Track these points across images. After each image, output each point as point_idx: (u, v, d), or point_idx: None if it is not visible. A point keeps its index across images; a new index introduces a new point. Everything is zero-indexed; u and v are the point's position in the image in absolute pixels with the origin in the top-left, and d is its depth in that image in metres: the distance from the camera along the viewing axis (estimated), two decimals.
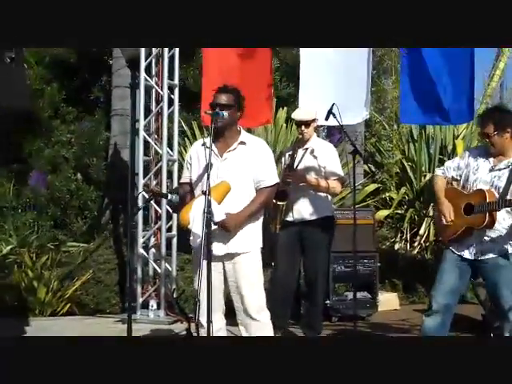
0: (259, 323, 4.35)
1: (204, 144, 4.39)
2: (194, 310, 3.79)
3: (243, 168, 4.31)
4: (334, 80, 6.71)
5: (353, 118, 6.80)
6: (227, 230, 4.20)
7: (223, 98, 4.29)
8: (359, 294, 7.06)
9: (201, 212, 3.88)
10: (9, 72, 4.45)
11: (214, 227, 4.05)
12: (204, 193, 3.89)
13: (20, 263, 7.67)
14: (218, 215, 4.04)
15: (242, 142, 4.35)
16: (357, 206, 7.93)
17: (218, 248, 4.25)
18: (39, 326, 6.83)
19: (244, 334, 4.39)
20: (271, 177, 4.39)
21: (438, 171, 4.88)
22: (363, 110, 6.75)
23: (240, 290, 4.32)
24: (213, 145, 4.26)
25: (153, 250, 7.51)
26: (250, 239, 4.36)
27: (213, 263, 4.17)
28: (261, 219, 4.46)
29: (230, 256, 4.32)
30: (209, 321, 3.82)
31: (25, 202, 9.37)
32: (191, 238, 4.15)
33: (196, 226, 4.03)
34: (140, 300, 7.33)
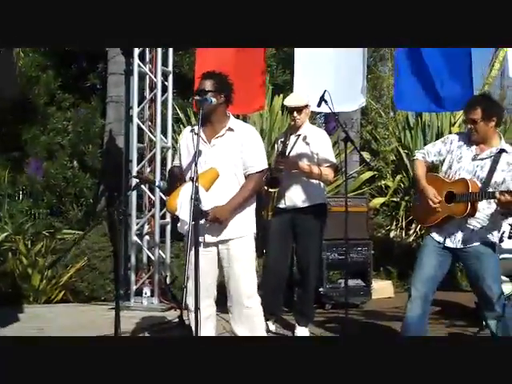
0: (249, 310, 4.36)
1: (192, 130, 4.38)
2: (181, 296, 3.79)
3: (231, 154, 4.30)
4: (329, 67, 6.65)
5: (349, 105, 6.77)
6: (219, 222, 4.21)
7: (207, 84, 4.28)
8: (353, 282, 7.06)
9: (188, 199, 3.88)
10: None
11: (203, 221, 4.07)
12: (191, 179, 3.88)
13: (15, 251, 7.66)
14: (206, 202, 4.03)
15: (230, 129, 4.35)
16: (352, 194, 7.96)
17: (210, 235, 4.26)
18: (33, 313, 6.85)
19: (233, 320, 4.39)
20: (260, 162, 4.38)
21: (419, 155, 4.79)
22: (360, 97, 6.70)
23: (233, 275, 4.33)
24: (201, 131, 4.26)
25: (147, 237, 7.51)
26: (242, 225, 4.37)
27: (206, 249, 4.23)
28: (253, 205, 4.46)
29: (223, 242, 4.33)
30: (196, 308, 3.82)
31: (20, 190, 9.38)
32: (179, 224, 4.15)
33: (183, 213, 4.02)
34: (134, 287, 7.33)
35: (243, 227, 4.38)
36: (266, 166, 4.48)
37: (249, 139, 4.37)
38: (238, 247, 4.34)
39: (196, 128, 4.26)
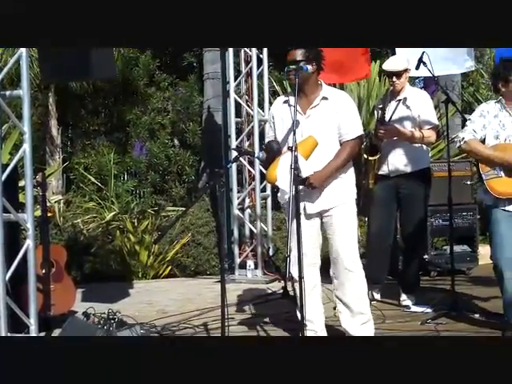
0: (353, 274, 4.32)
1: (286, 101, 4.35)
2: (285, 266, 3.80)
3: (328, 123, 4.26)
4: None
5: (455, 68, 6.58)
6: (313, 187, 4.18)
7: (297, 54, 4.21)
8: (459, 248, 6.89)
9: (287, 168, 3.86)
10: None
11: (300, 187, 4.05)
12: (290, 149, 3.87)
13: (122, 229, 7.93)
14: (306, 171, 4.01)
15: (325, 98, 4.29)
16: (456, 158, 7.72)
17: (311, 206, 4.26)
18: (143, 288, 7.08)
19: (336, 286, 4.38)
20: (354, 129, 4.32)
21: (468, 135, 4.58)
22: (467, 61, 6.49)
23: (338, 240, 4.31)
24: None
25: (248, 210, 7.60)
26: (341, 192, 4.33)
27: (309, 221, 4.21)
28: (351, 170, 4.41)
29: (326, 211, 4.32)
30: (300, 277, 3.83)
31: (125, 170, 9.68)
32: (279, 194, 4.15)
33: (283, 183, 4.01)
34: (238, 261, 7.44)
35: (343, 194, 4.34)
36: (362, 133, 4.41)
37: (343, 106, 4.31)
38: (341, 213, 4.31)
39: (290, 99, 4.23)
